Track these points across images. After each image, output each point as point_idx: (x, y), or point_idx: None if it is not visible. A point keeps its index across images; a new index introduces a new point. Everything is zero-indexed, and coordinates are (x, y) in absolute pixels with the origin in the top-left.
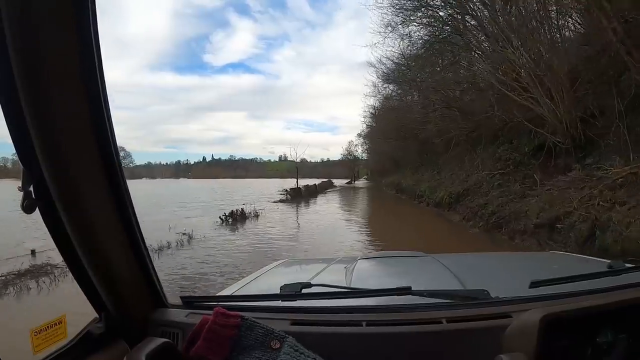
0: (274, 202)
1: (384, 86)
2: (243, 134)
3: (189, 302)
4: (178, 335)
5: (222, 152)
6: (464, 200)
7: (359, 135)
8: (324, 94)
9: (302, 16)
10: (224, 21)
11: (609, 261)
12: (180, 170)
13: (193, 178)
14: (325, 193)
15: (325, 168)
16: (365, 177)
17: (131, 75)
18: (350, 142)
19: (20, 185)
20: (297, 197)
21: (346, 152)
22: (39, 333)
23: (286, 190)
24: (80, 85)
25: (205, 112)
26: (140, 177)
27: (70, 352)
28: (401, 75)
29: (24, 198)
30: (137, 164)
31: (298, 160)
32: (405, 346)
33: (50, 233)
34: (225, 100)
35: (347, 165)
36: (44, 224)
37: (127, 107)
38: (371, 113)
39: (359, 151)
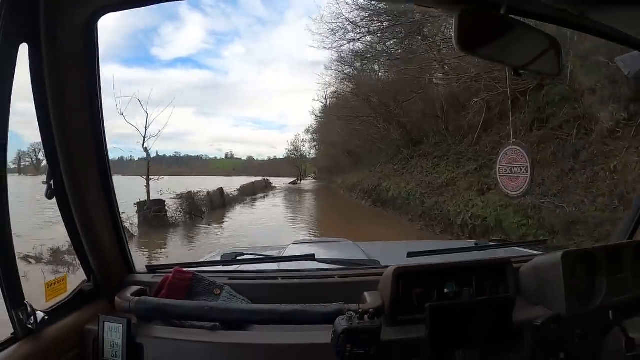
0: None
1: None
2: (190, 131)
3: (152, 269)
4: (146, 291)
5: (168, 149)
6: None
7: (307, 130)
8: (273, 91)
9: (253, 12)
10: (174, 14)
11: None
12: (124, 167)
13: (130, 175)
14: (253, 203)
15: (272, 166)
16: (313, 175)
17: None
18: (297, 136)
19: (45, 180)
20: (154, 229)
21: (292, 148)
22: (50, 286)
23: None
24: (88, 116)
25: (152, 106)
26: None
27: (69, 303)
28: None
29: (47, 189)
30: None
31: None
32: (307, 292)
33: (61, 214)
34: (172, 95)
35: (294, 163)
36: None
37: None
38: (322, 102)
39: (306, 147)
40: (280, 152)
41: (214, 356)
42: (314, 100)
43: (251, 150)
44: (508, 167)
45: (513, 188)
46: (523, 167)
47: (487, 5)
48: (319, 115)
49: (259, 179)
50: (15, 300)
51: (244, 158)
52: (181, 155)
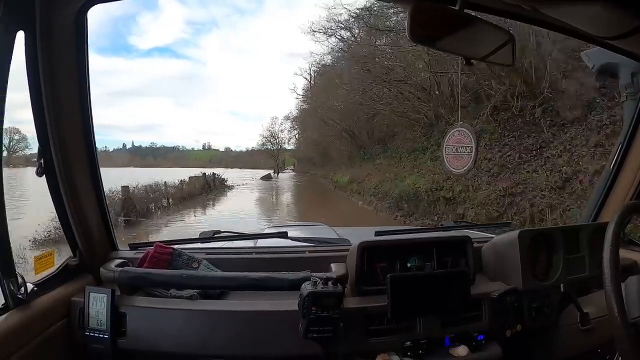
0: None
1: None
2: (168, 122)
3: (135, 246)
4: (129, 264)
5: (145, 140)
6: None
7: (287, 117)
8: (252, 82)
9: (231, 1)
10: (152, 1)
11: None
12: (99, 158)
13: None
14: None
15: (250, 157)
16: (292, 167)
17: None
18: (273, 120)
19: (36, 159)
20: None
21: (268, 134)
22: (39, 260)
23: None
24: (77, 101)
25: (128, 97)
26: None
27: (56, 277)
28: None
29: (38, 167)
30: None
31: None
32: (279, 266)
33: (50, 191)
34: (150, 85)
35: (270, 154)
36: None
37: None
38: (306, 78)
39: (285, 134)
40: (258, 143)
41: (192, 322)
42: (295, 74)
43: (229, 141)
44: (454, 147)
45: (457, 166)
46: (468, 147)
47: (441, 1)
48: (301, 94)
49: (196, 172)
50: (7, 272)
51: (222, 149)
52: (157, 146)
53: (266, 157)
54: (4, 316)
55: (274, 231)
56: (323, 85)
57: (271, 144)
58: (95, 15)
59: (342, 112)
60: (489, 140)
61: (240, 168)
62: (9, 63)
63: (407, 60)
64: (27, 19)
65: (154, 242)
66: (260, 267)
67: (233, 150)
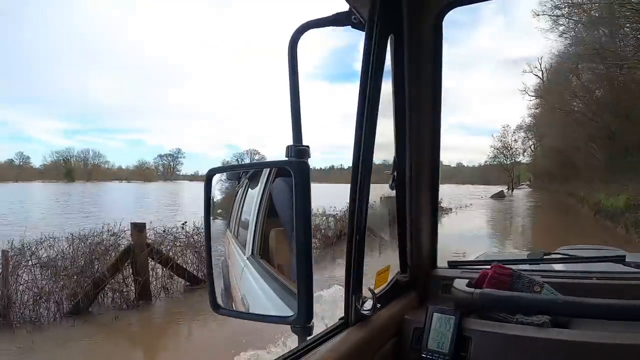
0: None
1: None
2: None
3: (454, 265)
4: (473, 285)
5: (376, 158)
6: None
7: (520, 127)
8: (479, 95)
9: (446, 16)
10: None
11: None
12: (331, 174)
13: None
14: None
15: (482, 172)
16: (527, 183)
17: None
18: (505, 129)
19: (390, 171)
20: None
21: (500, 145)
22: (379, 274)
23: None
24: (431, 106)
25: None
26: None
27: (388, 291)
28: None
29: (392, 180)
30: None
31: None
32: (620, 292)
33: (397, 205)
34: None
35: (504, 168)
36: None
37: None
38: (537, 75)
39: (519, 144)
40: (489, 156)
41: (544, 352)
42: (523, 72)
43: (460, 157)
44: None
45: None
46: None
47: None
48: (533, 94)
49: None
50: (356, 288)
51: (453, 165)
52: (389, 163)
53: (499, 171)
54: (345, 332)
55: (609, 254)
56: (564, 73)
57: (504, 156)
58: (324, 47)
59: (595, 104)
60: None
61: (472, 184)
62: (383, 65)
63: None
64: (396, 24)
65: (473, 261)
66: (598, 293)
67: (465, 165)
